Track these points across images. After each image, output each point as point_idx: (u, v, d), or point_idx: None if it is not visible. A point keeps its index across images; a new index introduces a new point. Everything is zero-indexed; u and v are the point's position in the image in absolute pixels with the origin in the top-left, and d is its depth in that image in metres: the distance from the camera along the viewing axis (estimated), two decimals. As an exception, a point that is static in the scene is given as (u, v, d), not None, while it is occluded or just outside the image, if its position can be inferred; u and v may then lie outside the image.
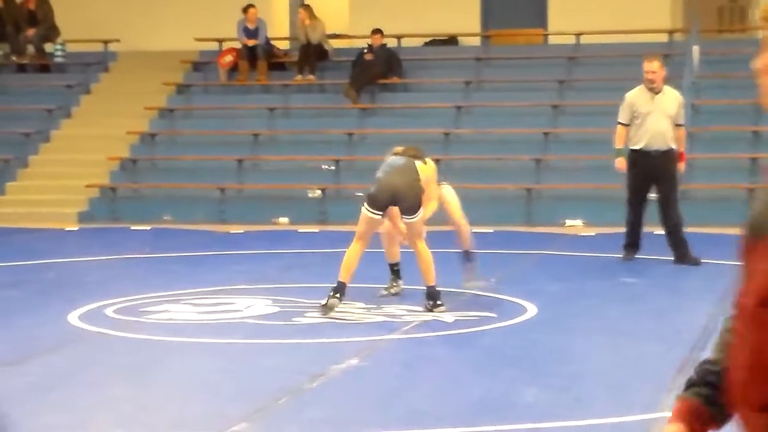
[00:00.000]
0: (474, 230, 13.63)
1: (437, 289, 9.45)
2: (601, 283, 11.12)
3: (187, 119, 19.64)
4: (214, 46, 20.51)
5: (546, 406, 6.76)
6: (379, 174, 9.69)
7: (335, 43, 20.43)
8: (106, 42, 20.97)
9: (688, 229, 15.10)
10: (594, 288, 10.82)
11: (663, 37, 19.63)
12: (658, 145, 11.92)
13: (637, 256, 12.21)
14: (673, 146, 12.00)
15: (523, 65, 19.65)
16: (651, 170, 11.97)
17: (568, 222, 16.29)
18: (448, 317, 9.22)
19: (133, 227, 16.54)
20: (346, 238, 9.86)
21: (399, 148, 9.95)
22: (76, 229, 16.74)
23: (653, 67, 12.10)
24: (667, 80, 12.70)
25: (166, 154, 18.82)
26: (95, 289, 10.95)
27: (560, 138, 17.95)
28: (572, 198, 16.70)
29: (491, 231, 15.17)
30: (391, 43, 19.87)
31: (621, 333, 8.79)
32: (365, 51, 19.29)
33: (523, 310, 9.54)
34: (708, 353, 7.30)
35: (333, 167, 17.82)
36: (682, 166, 12.32)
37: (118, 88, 20.21)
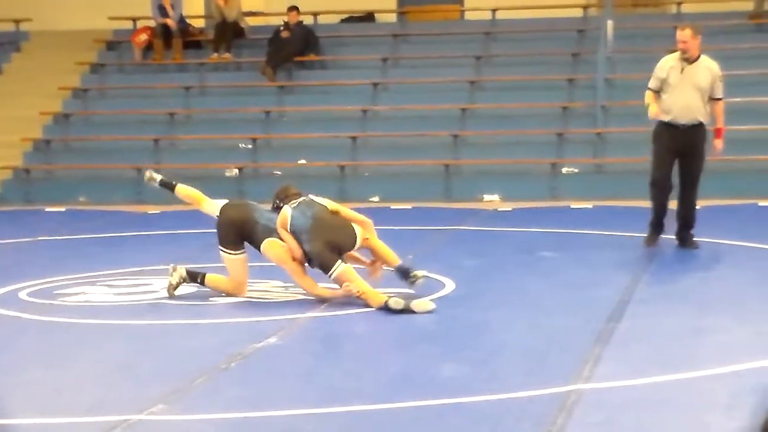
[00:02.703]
0: (393, 206, 13.73)
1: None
2: (519, 258, 11.19)
3: (102, 99, 19.41)
4: (128, 24, 20.29)
5: (464, 380, 6.79)
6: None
7: (251, 21, 20.31)
8: (17, 21, 20.67)
9: (603, 203, 15.33)
10: (511, 262, 10.88)
11: (578, 12, 19.78)
12: (686, 119, 11.02)
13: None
14: (703, 121, 11.10)
15: (439, 41, 19.68)
16: (677, 144, 11.06)
17: (486, 197, 16.38)
18: (367, 294, 9.20)
19: (47, 209, 16.35)
20: (263, 217, 9.79)
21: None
22: (-11, 211, 16.51)
23: (685, 35, 11.00)
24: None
25: (80, 134, 18.60)
26: (9, 272, 10.80)
27: (477, 113, 18.01)
28: (490, 173, 16.78)
29: (409, 207, 15.22)
30: (308, 20, 19.79)
31: (538, 306, 8.84)
32: (281, 28, 19.20)
33: (441, 285, 9.56)
34: (623, 324, 7.31)
35: (250, 146, 17.74)
36: (719, 143, 11.30)
37: (30, 67, 19.93)
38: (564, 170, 16.72)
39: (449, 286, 9.54)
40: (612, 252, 11.37)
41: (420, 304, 8.57)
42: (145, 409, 6.23)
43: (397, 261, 9.24)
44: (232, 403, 6.41)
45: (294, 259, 9.06)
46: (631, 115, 17.19)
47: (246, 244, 9.35)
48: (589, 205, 15.30)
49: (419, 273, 9.18)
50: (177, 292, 9.36)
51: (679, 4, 19.45)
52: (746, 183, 15.74)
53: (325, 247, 8.90)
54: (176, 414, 6.27)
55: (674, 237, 11.34)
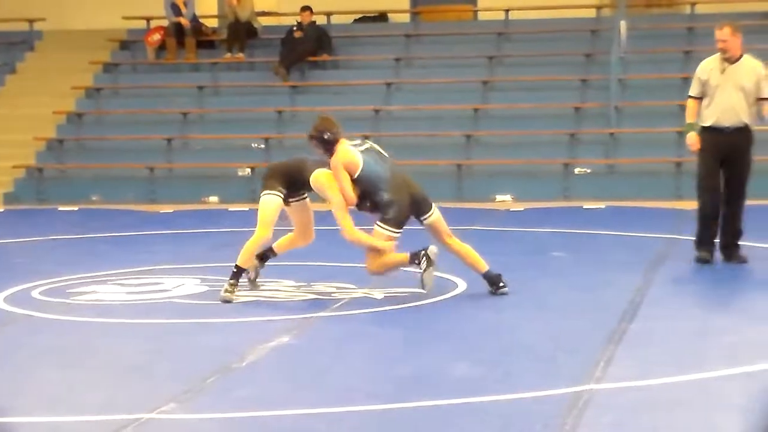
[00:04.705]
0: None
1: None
2: (530, 258, 11.18)
3: (115, 98, 19.44)
4: (141, 24, 20.32)
5: (476, 380, 6.79)
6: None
7: (264, 21, 20.32)
8: (31, 21, 20.71)
9: (616, 203, 15.30)
10: (523, 262, 10.86)
11: (591, 13, 19.75)
12: (730, 122, 10.46)
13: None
14: (748, 123, 10.51)
15: (452, 41, 19.67)
16: (722, 149, 10.47)
17: (498, 197, 16.37)
18: (378, 294, 9.22)
19: (60, 208, 16.39)
20: (275, 216, 9.79)
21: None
22: (1, 210, 16.57)
23: (724, 34, 10.52)
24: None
25: (93, 133, 18.63)
26: (21, 271, 10.83)
27: (490, 114, 18.00)
28: (502, 173, 16.78)
29: (422, 207, 15.17)
30: (321, 20, 19.79)
31: (550, 307, 8.84)
32: (294, 28, 19.21)
33: (453, 285, 9.56)
34: (635, 324, 7.26)
35: (263, 145, 17.75)
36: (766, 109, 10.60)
37: (44, 67, 19.97)
38: (576, 171, 16.70)
39: (461, 286, 9.54)
40: (624, 253, 11.35)
41: (428, 278, 8.90)
42: (157, 408, 6.24)
43: (485, 267, 9.25)
44: (243, 403, 6.42)
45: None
46: (644, 116, 17.18)
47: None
48: (601, 205, 15.28)
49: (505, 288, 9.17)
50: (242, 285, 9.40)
51: (693, 4, 19.41)
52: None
53: (409, 199, 9.00)
54: (187, 413, 6.29)
55: (719, 251, 10.63)
